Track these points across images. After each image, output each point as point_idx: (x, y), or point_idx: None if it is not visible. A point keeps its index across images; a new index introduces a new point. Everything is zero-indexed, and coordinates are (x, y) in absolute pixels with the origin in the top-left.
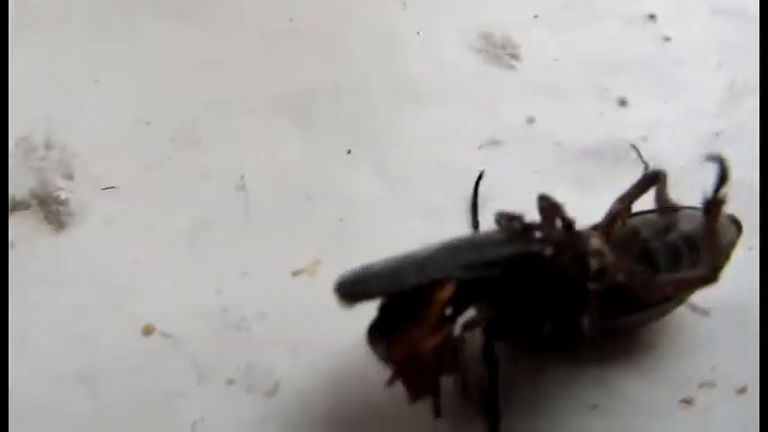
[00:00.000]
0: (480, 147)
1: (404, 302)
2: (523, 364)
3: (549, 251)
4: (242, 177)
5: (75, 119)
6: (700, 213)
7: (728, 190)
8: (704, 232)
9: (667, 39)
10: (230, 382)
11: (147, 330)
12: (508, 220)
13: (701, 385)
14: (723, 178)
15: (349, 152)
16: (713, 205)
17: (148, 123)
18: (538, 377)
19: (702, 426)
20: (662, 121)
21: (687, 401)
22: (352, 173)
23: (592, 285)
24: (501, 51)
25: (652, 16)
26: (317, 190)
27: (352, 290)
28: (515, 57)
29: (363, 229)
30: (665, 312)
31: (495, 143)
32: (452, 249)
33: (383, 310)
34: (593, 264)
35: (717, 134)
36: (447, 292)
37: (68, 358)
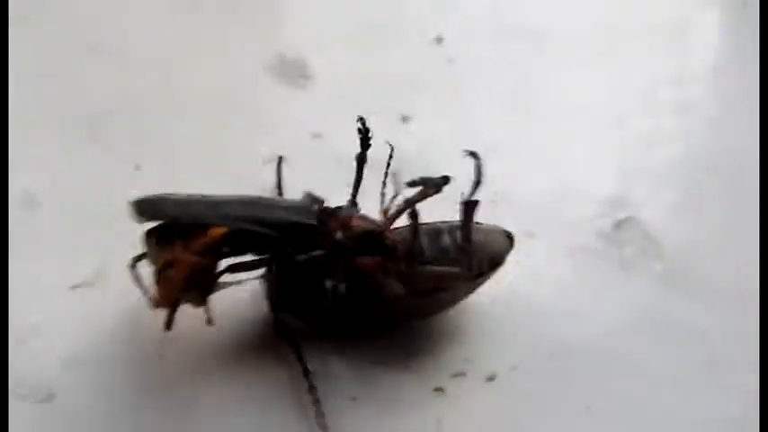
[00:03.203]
0: (264, 162)
1: (186, 227)
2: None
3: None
4: (27, 194)
5: None
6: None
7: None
8: (462, 233)
9: (451, 60)
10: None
11: None
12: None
13: (454, 375)
14: (478, 181)
15: (137, 168)
16: (467, 205)
17: None
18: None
19: (454, 412)
20: (439, 136)
21: (439, 390)
22: (139, 188)
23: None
24: (293, 71)
25: (440, 39)
26: (104, 206)
27: (146, 208)
28: (306, 76)
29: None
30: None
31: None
32: (246, 203)
33: (168, 225)
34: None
35: (489, 147)
36: (218, 231)
37: None
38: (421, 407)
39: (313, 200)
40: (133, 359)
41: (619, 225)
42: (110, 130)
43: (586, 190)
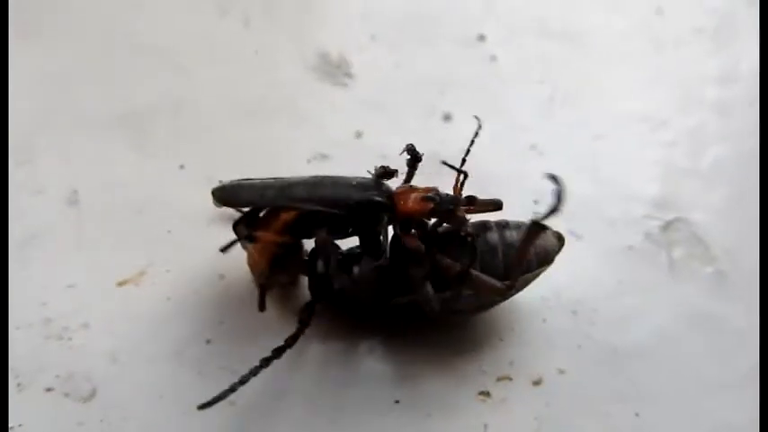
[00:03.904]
0: (309, 161)
1: (265, 212)
2: (335, 350)
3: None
4: (74, 192)
5: None
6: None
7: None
8: (518, 250)
9: (494, 58)
10: (49, 389)
11: None
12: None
13: (499, 379)
14: (555, 208)
15: (182, 167)
16: (534, 226)
17: None
18: (345, 369)
19: (499, 417)
20: (483, 135)
21: (485, 394)
22: (183, 187)
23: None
24: (336, 70)
25: (482, 37)
26: (148, 204)
27: (224, 195)
28: (349, 75)
29: (190, 241)
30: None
31: (322, 157)
32: (314, 184)
33: (254, 212)
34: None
35: (533, 146)
36: (290, 214)
37: None
38: (466, 412)
39: (384, 173)
40: (176, 356)
41: (667, 226)
42: (154, 129)
43: (632, 190)
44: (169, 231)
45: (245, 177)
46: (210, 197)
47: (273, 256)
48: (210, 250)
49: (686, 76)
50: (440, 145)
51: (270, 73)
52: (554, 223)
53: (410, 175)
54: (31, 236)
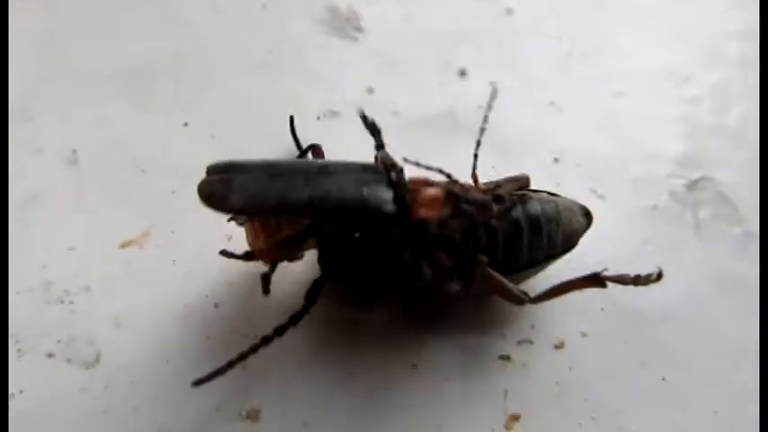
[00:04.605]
0: (319, 118)
1: None
2: (349, 319)
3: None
4: (74, 152)
5: None
6: (554, 198)
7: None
8: (563, 285)
9: (510, 11)
10: (50, 355)
11: None
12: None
13: (520, 342)
14: (625, 281)
15: (186, 125)
16: (595, 280)
17: None
18: (360, 336)
19: (521, 381)
20: (499, 90)
21: (505, 358)
22: (188, 145)
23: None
24: (345, 24)
25: None
26: (152, 163)
27: (213, 201)
28: (359, 29)
29: (195, 201)
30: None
31: (333, 114)
32: (321, 196)
33: None
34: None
35: (551, 102)
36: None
37: None
38: (486, 375)
39: (390, 165)
40: (183, 320)
41: (692, 185)
42: (156, 85)
43: (656, 148)
44: (173, 191)
45: (231, 162)
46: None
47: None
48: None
49: (709, 30)
50: (455, 101)
51: (277, 27)
52: (575, 182)
53: (377, 139)
54: (32, 196)
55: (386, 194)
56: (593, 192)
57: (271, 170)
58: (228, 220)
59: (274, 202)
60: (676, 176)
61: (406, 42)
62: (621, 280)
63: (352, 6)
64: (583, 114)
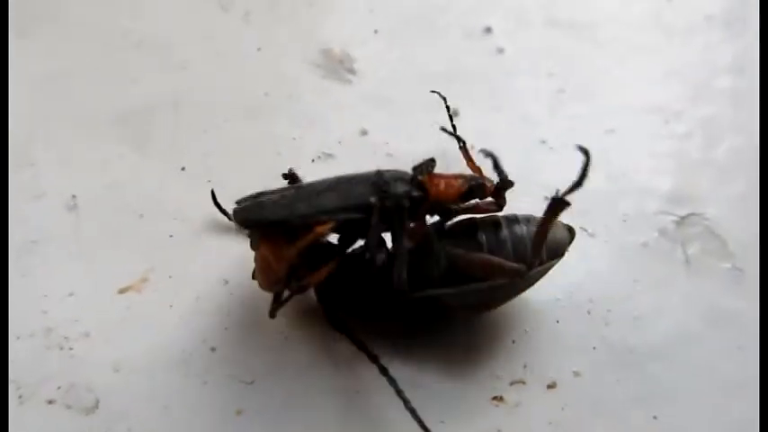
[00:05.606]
0: (313, 160)
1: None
2: (344, 357)
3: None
4: (73, 197)
5: None
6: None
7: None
8: (538, 228)
9: (501, 50)
10: (50, 401)
11: None
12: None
13: (512, 383)
14: (579, 182)
15: (183, 169)
16: (556, 203)
17: None
18: (352, 377)
19: (514, 422)
20: (491, 130)
21: (498, 399)
22: (185, 189)
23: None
24: (339, 66)
25: (488, 29)
26: (149, 207)
27: (250, 217)
28: (352, 71)
29: (193, 246)
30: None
31: (327, 156)
32: (343, 191)
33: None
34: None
35: (543, 141)
36: (324, 227)
37: None
38: (479, 417)
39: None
40: (181, 365)
41: (682, 222)
42: (154, 129)
43: (645, 185)
44: (171, 236)
45: (259, 192)
46: (212, 201)
47: (291, 268)
48: (213, 254)
49: (698, 65)
50: (448, 142)
51: (272, 69)
52: (565, 220)
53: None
54: (31, 242)
55: (405, 175)
56: (584, 230)
57: (296, 187)
58: (253, 247)
59: (304, 206)
60: (666, 213)
61: (399, 83)
62: (573, 187)
63: (345, 49)
64: (573, 152)
